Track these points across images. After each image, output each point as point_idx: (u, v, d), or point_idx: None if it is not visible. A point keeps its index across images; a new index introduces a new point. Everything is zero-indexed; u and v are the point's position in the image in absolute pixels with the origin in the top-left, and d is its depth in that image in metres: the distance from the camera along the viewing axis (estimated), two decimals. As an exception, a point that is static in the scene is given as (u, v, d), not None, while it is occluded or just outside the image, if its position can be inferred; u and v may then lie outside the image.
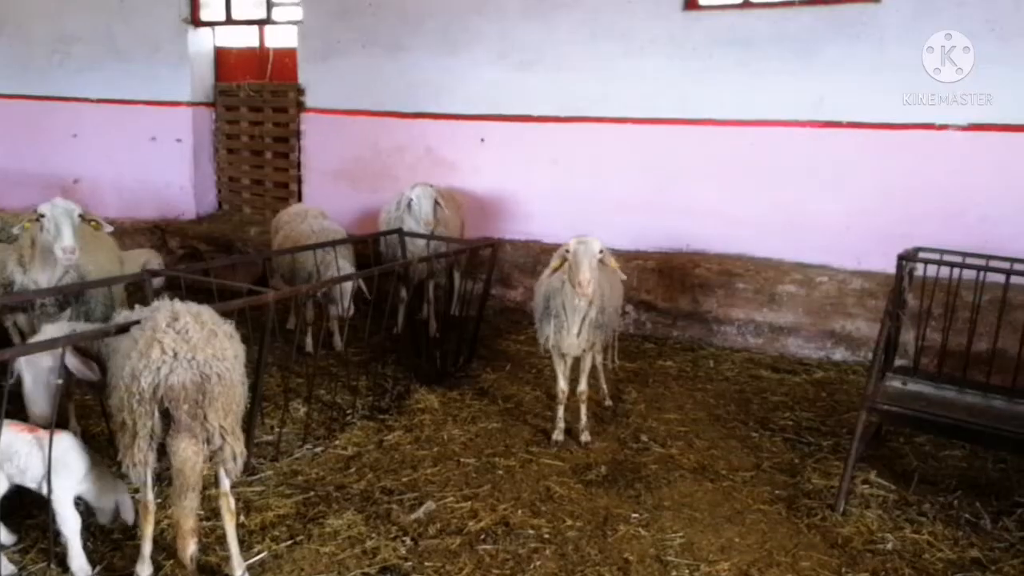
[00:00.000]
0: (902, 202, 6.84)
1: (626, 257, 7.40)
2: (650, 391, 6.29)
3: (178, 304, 3.69)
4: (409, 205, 7.03)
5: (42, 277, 4.86)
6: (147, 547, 3.64)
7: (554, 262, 4.92)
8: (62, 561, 3.77)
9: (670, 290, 7.58)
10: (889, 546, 4.15)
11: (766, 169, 7.36)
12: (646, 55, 7.67)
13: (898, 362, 5.32)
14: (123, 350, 3.55)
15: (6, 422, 3.57)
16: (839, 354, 7.00)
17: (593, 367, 5.59)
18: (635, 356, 7.06)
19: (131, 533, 4.06)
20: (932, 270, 5.03)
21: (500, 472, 4.90)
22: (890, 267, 5.22)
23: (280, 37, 9.99)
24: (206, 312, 3.70)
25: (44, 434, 3.71)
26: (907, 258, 4.88)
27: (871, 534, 4.26)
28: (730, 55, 7.34)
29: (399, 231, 7.07)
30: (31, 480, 3.71)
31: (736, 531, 4.29)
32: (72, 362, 3.79)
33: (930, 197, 6.74)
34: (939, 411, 4.61)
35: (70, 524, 3.72)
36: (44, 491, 3.69)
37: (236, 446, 3.54)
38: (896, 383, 5.04)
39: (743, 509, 4.52)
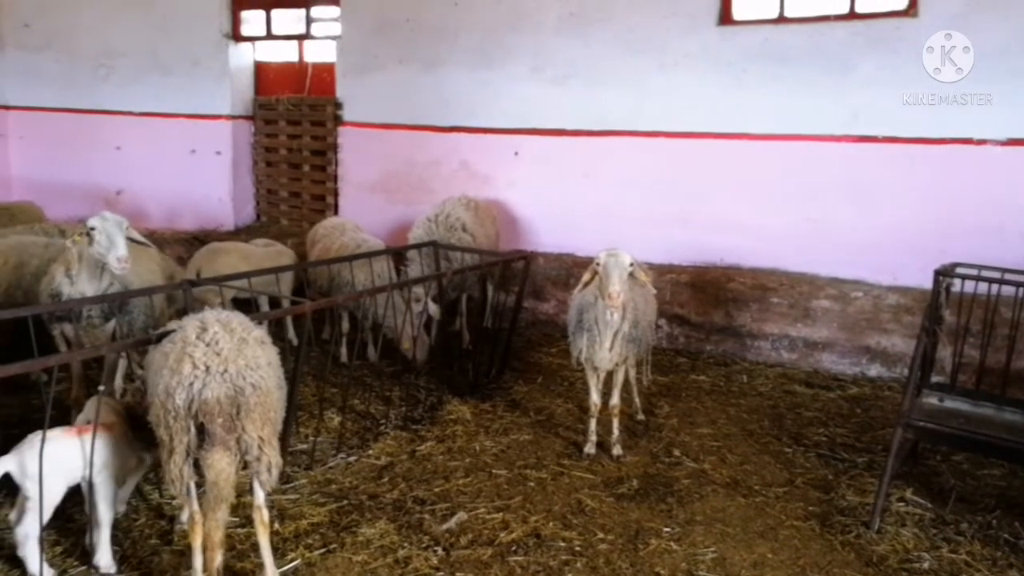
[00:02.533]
0: (939, 217, 6.77)
1: (659, 271, 7.41)
2: (683, 405, 6.28)
3: (208, 313, 3.70)
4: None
5: (88, 288, 4.99)
6: (198, 560, 3.62)
7: (585, 276, 4.94)
8: (104, 564, 3.87)
9: (703, 304, 7.56)
10: (925, 565, 4.10)
11: (801, 184, 7.34)
12: (680, 70, 7.69)
13: (935, 379, 5.26)
14: (156, 365, 3.55)
15: (54, 430, 3.67)
16: (874, 370, 6.93)
17: (626, 381, 5.59)
18: (668, 370, 7.05)
19: (169, 538, 4.15)
20: (970, 286, 4.97)
21: (532, 484, 4.91)
22: (927, 283, 5.17)
23: (319, 52, 10.17)
24: (236, 319, 3.69)
25: (88, 431, 3.81)
26: (944, 274, 4.83)
27: (907, 553, 4.21)
28: (765, 70, 7.34)
29: (433, 243, 7.14)
30: (84, 479, 3.79)
31: (769, 547, 4.26)
32: None
33: (968, 212, 6.67)
34: (977, 428, 4.55)
35: (107, 516, 3.83)
36: (95, 485, 3.79)
37: (273, 457, 3.52)
38: (933, 400, 4.98)
39: (776, 525, 4.49)
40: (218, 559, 3.50)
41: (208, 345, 3.44)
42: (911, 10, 6.75)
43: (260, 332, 3.75)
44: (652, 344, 5.87)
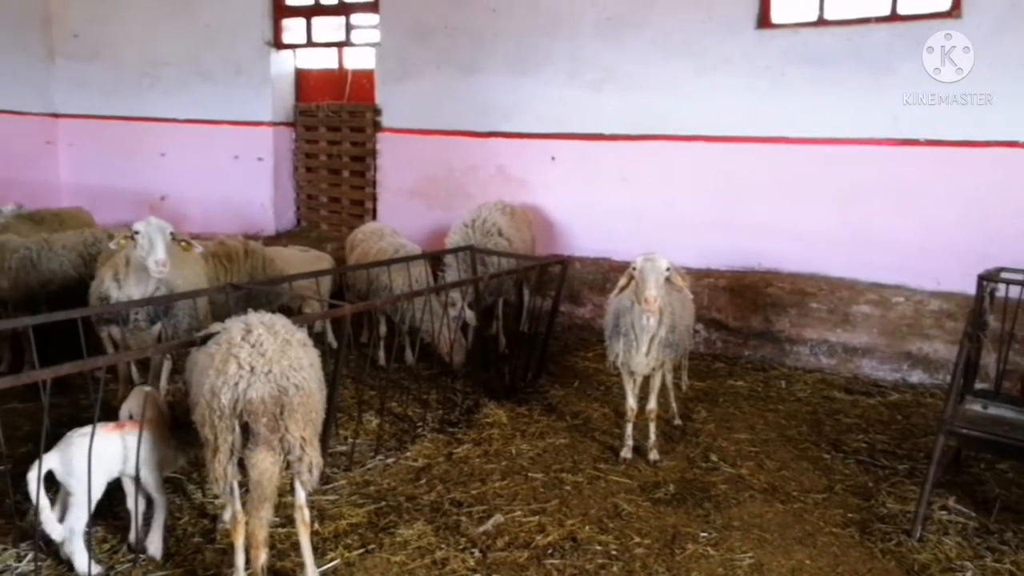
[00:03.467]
0: (983, 221, 6.66)
1: (697, 275, 7.38)
2: (720, 411, 6.25)
3: (252, 316, 3.76)
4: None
5: (135, 292, 5.11)
6: (240, 558, 3.68)
7: (622, 281, 4.94)
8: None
9: (741, 309, 7.52)
10: (968, 575, 4.04)
11: (840, 187, 7.26)
12: (718, 73, 7.66)
13: (978, 386, 5.17)
14: (201, 365, 3.62)
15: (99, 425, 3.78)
16: (916, 376, 6.83)
17: (663, 385, 5.58)
18: (705, 375, 7.02)
19: (212, 537, 4.23)
20: (1015, 291, 4.88)
21: (568, 488, 4.93)
22: (970, 288, 5.08)
23: (358, 59, 10.29)
24: (279, 322, 3.75)
25: (130, 426, 3.93)
26: (988, 278, 4.75)
27: (949, 562, 4.15)
28: (803, 72, 7.28)
29: (471, 248, 7.19)
30: (130, 471, 3.89)
31: (807, 553, 4.23)
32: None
33: (1012, 215, 6.54)
34: (1022, 436, 4.47)
35: (160, 500, 3.99)
36: (142, 478, 3.91)
37: (314, 457, 3.57)
38: (976, 407, 4.89)
39: (814, 531, 4.46)
40: (262, 557, 3.56)
41: (253, 346, 3.51)
42: (954, 11, 6.65)
43: (302, 334, 3.81)
44: (689, 349, 5.86)
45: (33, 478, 3.60)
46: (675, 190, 8.01)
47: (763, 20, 7.48)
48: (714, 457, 5.40)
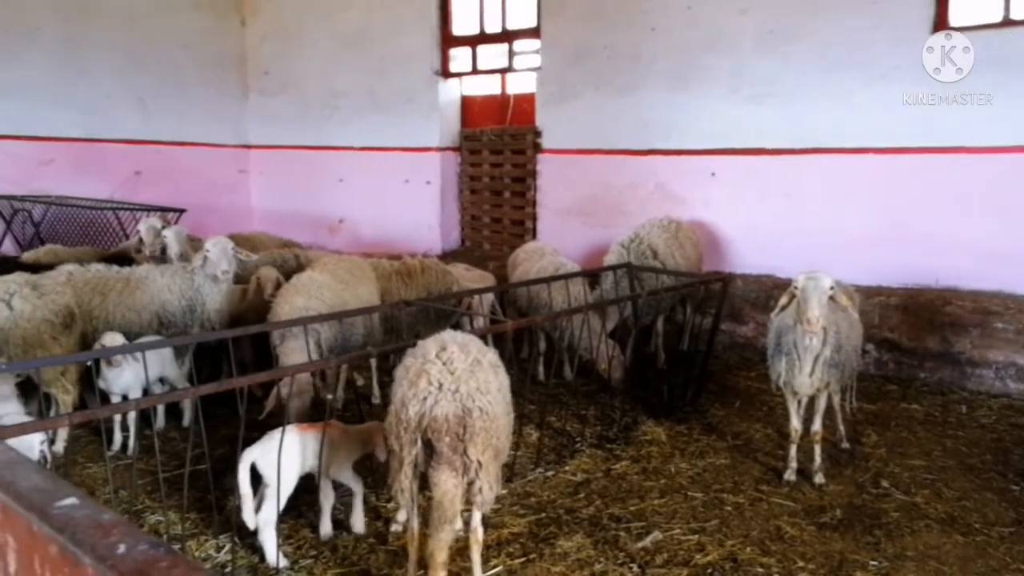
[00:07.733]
0: None
1: (866, 293, 7.06)
2: (892, 435, 5.96)
3: (447, 333, 3.86)
4: None
5: None
6: (412, 571, 3.86)
7: (783, 299, 4.85)
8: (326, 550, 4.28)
9: (916, 328, 7.12)
10: None
11: (1029, 199, 6.77)
12: (888, 82, 7.34)
13: None
14: (397, 376, 3.71)
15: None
16: (1123, 404, 6.23)
17: (829, 407, 5.40)
18: (876, 397, 6.71)
19: (384, 538, 4.50)
20: None
21: (728, 508, 4.87)
22: None
23: (520, 84, 10.63)
24: (474, 342, 3.77)
25: (317, 428, 4.29)
26: None
27: None
28: (986, 77, 6.83)
29: (628, 265, 7.23)
30: (313, 467, 4.28)
31: (990, 590, 3.99)
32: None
33: None
34: None
35: (359, 492, 4.46)
36: (332, 473, 4.33)
37: (487, 482, 3.52)
38: None
39: (1000, 567, 4.18)
40: None
41: (444, 364, 3.56)
42: None
43: (494, 356, 3.82)
44: (858, 369, 5.63)
45: (241, 470, 4.00)
46: (842, 205, 7.72)
47: (939, 23, 7.10)
48: (885, 483, 5.16)
